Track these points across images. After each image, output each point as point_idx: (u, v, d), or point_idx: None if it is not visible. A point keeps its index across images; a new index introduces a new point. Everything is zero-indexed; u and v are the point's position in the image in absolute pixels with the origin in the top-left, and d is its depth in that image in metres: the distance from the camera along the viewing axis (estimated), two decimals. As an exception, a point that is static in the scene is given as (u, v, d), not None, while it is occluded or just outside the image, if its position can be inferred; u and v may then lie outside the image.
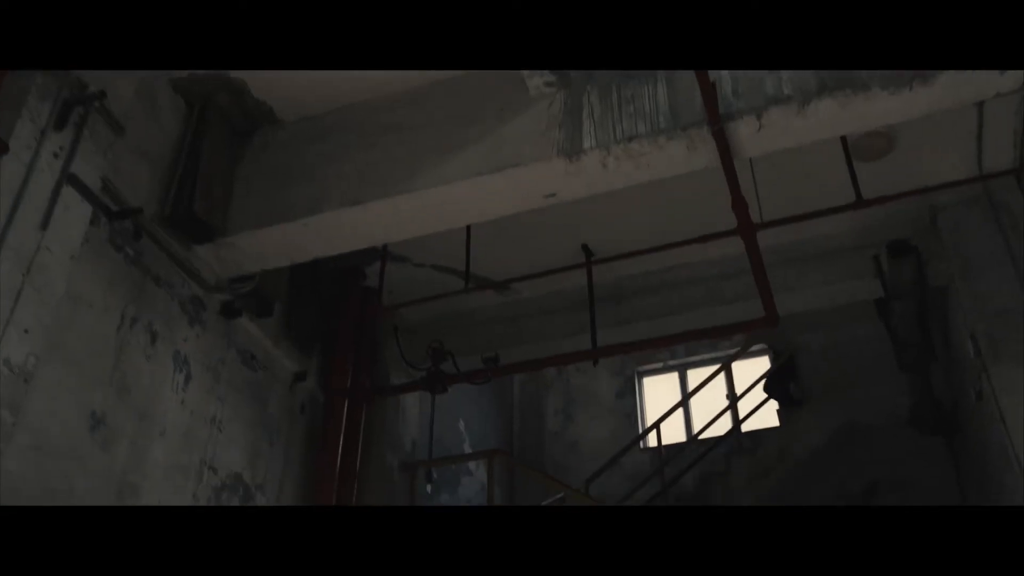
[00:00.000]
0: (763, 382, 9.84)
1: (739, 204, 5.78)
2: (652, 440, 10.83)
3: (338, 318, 7.24)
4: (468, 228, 6.57)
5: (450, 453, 9.14)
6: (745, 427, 9.75)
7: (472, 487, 9.49)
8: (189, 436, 5.48)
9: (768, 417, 9.95)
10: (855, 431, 8.87)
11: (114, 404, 4.90)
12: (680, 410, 10.94)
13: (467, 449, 9.68)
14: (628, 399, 11.40)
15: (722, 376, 10.90)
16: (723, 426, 10.00)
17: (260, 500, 6.05)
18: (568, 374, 11.87)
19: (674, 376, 11.55)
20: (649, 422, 10.54)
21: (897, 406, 8.60)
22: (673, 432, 10.52)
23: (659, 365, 11.60)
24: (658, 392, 11.42)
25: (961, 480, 8.38)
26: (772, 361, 10.08)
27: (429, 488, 8.35)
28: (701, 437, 9.89)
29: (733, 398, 9.64)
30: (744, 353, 10.43)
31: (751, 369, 10.54)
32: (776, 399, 9.73)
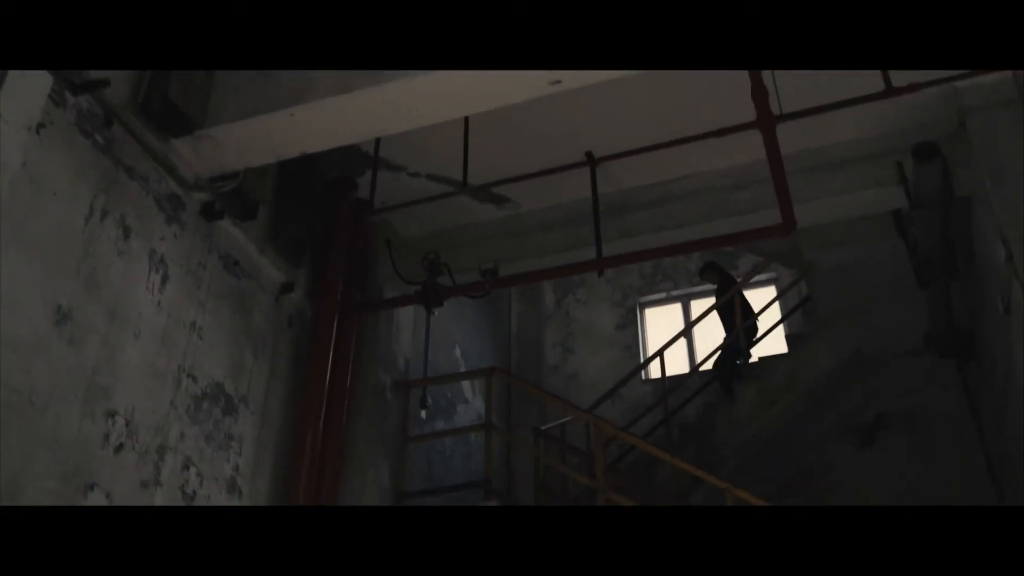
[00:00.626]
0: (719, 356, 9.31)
1: (759, 93, 5.40)
2: (654, 372, 10.54)
3: (328, 229, 6.85)
4: (466, 121, 6.16)
5: (445, 373, 8.81)
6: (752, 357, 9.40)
7: (468, 415, 9.17)
8: (166, 340, 5.12)
9: (776, 344, 9.63)
10: (865, 359, 8.53)
11: (82, 299, 4.53)
12: (683, 342, 10.63)
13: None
14: (629, 331, 11.06)
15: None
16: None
17: (244, 412, 5.71)
18: (568, 306, 11.52)
19: (676, 307, 11.21)
20: (651, 354, 10.19)
21: (910, 333, 8.25)
22: (676, 365, 10.21)
23: (661, 296, 11.25)
24: (660, 323, 11.08)
25: (975, 406, 8.07)
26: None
27: (424, 414, 8.02)
28: (705, 368, 9.55)
29: (741, 325, 9.25)
30: (749, 282, 10.06)
31: (757, 298, 10.19)
32: (722, 377, 9.16)
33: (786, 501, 8.88)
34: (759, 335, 9.40)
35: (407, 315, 7.51)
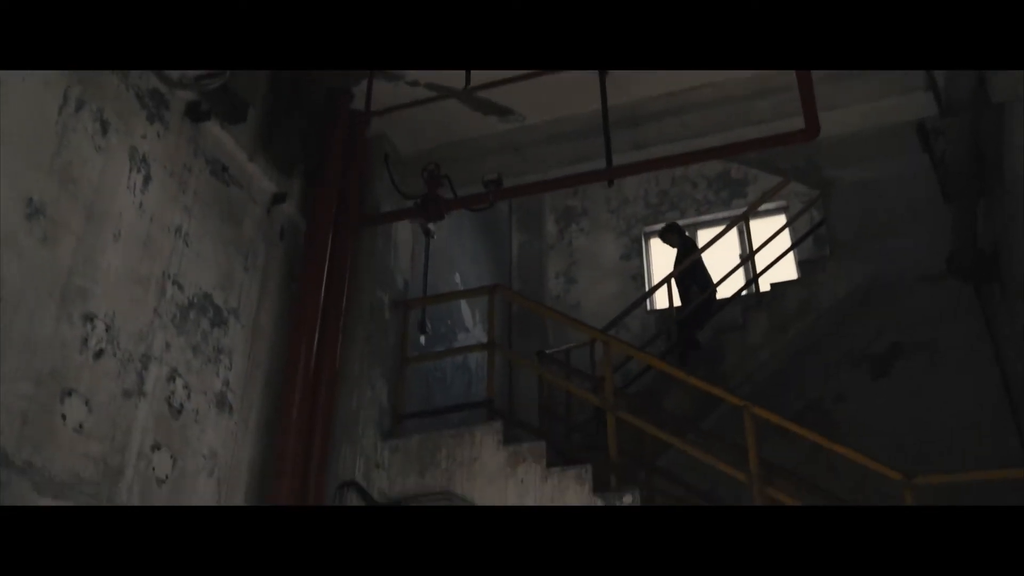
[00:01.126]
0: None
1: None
2: (660, 302, 10.25)
3: (322, 140, 6.47)
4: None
5: (444, 304, 8.50)
6: (762, 286, 9.09)
7: (468, 343, 8.89)
8: (149, 245, 4.79)
9: (787, 272, 9.34)
10: (881, 284, 8.23)
11: (56, 194, 4.19)
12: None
13: (463, 306, 9.05)
14: (634, 261, 10.75)
15: (735, 237, 10.31)
16: (736, 286, 9.39)
17: (234, 325, 5.40)
18: (570, 235, 11.19)
19: (683, 237, 10.87)
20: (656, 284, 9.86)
21: (928, 257, 7.96)
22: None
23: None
24: (666, 253, 10.72)
25: (994, 332, 7.78)
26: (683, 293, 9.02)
27: (423, 340, 7.73)
28: (716, 297, 9.23)
29: (750, 253, 8.95)
30: (757, 210, 9.74)
31: (767, 227, 9.88)
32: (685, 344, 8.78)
33: (800, 422, 8.65)
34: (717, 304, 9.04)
35: (405, 235, 7.17)
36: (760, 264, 9.06)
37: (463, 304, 9.03)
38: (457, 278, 9.10)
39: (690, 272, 8.87)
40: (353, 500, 5.53)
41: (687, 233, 9.78)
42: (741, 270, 9.57)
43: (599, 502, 5.37)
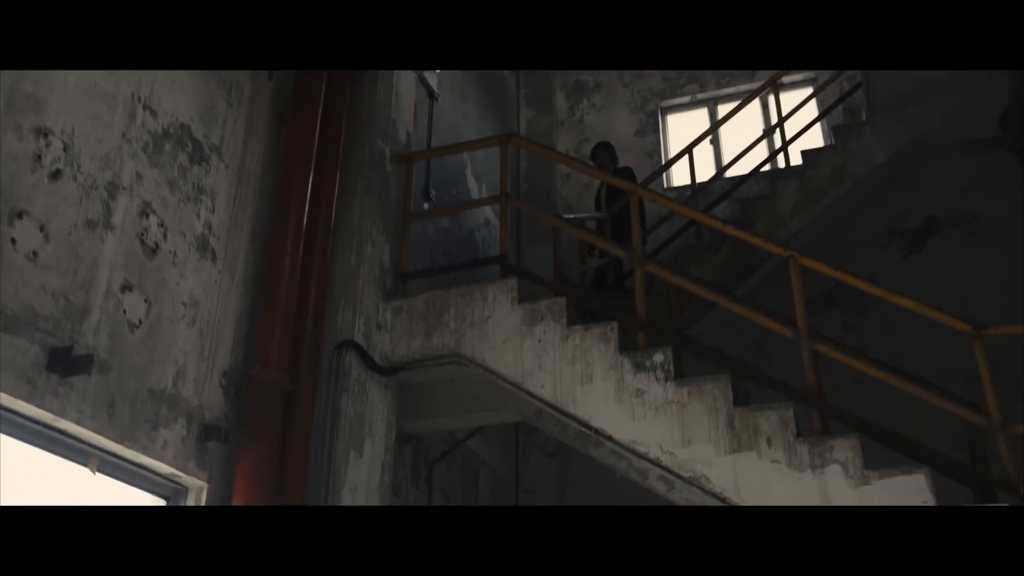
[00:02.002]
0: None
1: None
2: (677, 179, 9.66)
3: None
4: None
5: (450, 176, 7.90)
6: (791, 160, 8.46)
7: (476, 216, 8.33)
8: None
9: (815, 143, 8.72)
10: (921, 153, 7.62)
11: (-3, -17, 3.54)
12: (711, 150, 9.70)
13: (469, 177, 8.44)
14: (650, 137, 10.07)
15: (759, 112, 9.66)
16: (758, 160, 8.75)
17: (216, 164, 4.80)
18: (582, 111, 10.50)
19: (702, 112, 10.19)
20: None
21: (973, 125, 7.33)
22: (705, 173, 9.28)
23: (686, 100, 10.21)
24: (684, 130, 10.07)
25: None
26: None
27: (427, 207, 7.16)
28: (732, 173, 8.60)
29: (778, 122, 8.27)
30: (783, 82, 9.05)
31: (793, 101, 9.18)
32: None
33: (823, 311, 8.16)
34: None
35: (407, 87, 6.51)
36: (787, 138, 8.40)
37: (468, 175, 8.43)
38: (463, 155, 8.46)
39: (615, 199, 7.98)
40: (352, 361, 5.01)
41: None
42: (764, 146, 8.97)
43: (626, 361, 4.85)
